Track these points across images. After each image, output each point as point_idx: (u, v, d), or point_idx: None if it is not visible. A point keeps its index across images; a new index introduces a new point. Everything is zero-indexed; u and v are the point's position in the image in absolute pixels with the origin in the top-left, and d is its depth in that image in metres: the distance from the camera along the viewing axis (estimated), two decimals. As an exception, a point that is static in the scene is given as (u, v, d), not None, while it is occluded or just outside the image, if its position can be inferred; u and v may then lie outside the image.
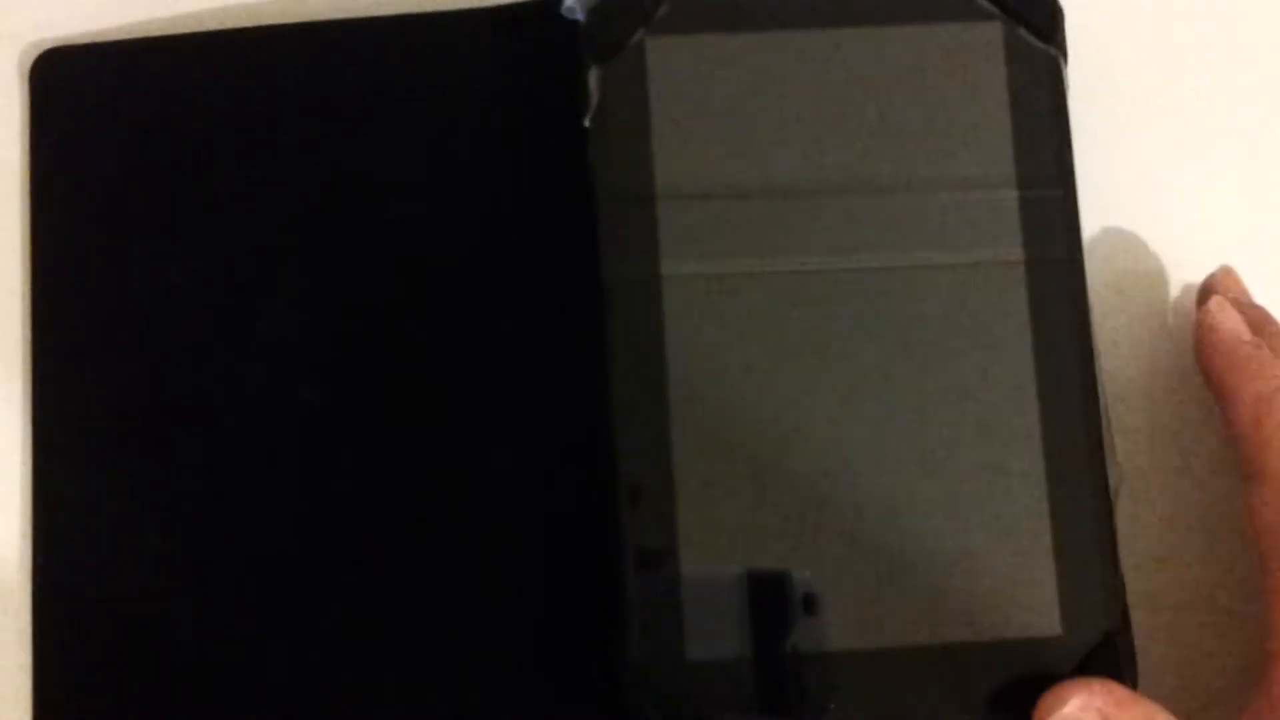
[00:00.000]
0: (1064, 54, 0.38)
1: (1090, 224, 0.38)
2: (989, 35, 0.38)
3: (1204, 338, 0.38)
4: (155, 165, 0.39)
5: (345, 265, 0.39)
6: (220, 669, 0.37)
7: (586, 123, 0.37)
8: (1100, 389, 0.37)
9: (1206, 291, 0.39)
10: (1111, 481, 0.37)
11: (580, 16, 0.38)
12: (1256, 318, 0.38)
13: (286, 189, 0.39)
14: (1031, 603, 0.36)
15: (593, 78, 0.37)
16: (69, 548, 0.38)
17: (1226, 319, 0.38)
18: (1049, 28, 0.38)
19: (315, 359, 0.39)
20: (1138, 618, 0.37)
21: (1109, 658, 0.36)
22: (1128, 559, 0.37)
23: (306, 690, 0.38)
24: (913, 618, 0.36)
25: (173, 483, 0.38)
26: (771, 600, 0.36)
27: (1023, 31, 0.38)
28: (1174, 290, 0.41)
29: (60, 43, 0.40)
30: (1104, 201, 0.40)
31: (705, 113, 0.37)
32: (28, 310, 0.39)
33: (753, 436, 0.36)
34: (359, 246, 0.39)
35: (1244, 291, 0.40)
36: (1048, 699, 0.35)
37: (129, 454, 0.38)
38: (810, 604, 0.36)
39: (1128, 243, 0.40)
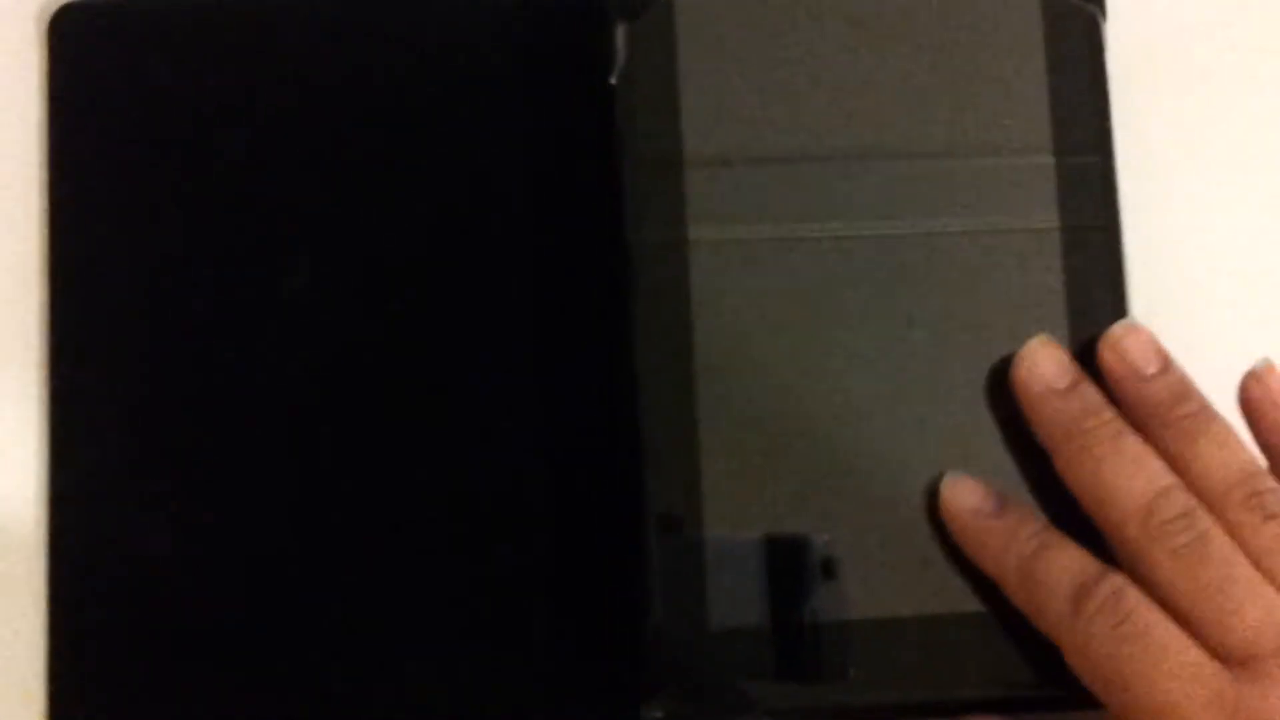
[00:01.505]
0: (1103, 10, 0.37)
1: (1128, 189, 0.37)
2: None
3: (948, 526, 0.35)
4: (172, 125, 0.39)
5: (366, 233, 0.39)
6: (231, 639, 0.37)
7: (613, 81, 0.37)
8: None
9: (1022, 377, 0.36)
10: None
11: (608, -28, 0.37)
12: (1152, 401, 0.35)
13: (304, 152, 0.39)
14: None
15: (620, 34, 0.37)
16: (85, 519, 0.38)
17: (961, 498, 0.35)
18: (1088, -18, 0.37)
19: (330, 330, 0.38)
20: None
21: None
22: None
23: (315, 659, 0.38)
24: (933, 586, 0.36)
25: (186, 455, 0.38)
26: (793, 567, 0.36)
27: (1060, -14, 0.37)
28: (1211, 259, 0.40)
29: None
30: (1143, 166, 0.39)
31: (735, 72, 0.37)
32: (46, 272, 0.39)
33: (778, 402, 0.36)
34: (380, 211, 0.39)
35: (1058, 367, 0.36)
36: None
37: (144, 425, 0.38)
38: (831, 571, 0.36)
39: (1166, 211, 0.40)
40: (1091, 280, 0.36)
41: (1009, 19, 0.37)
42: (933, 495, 0.36)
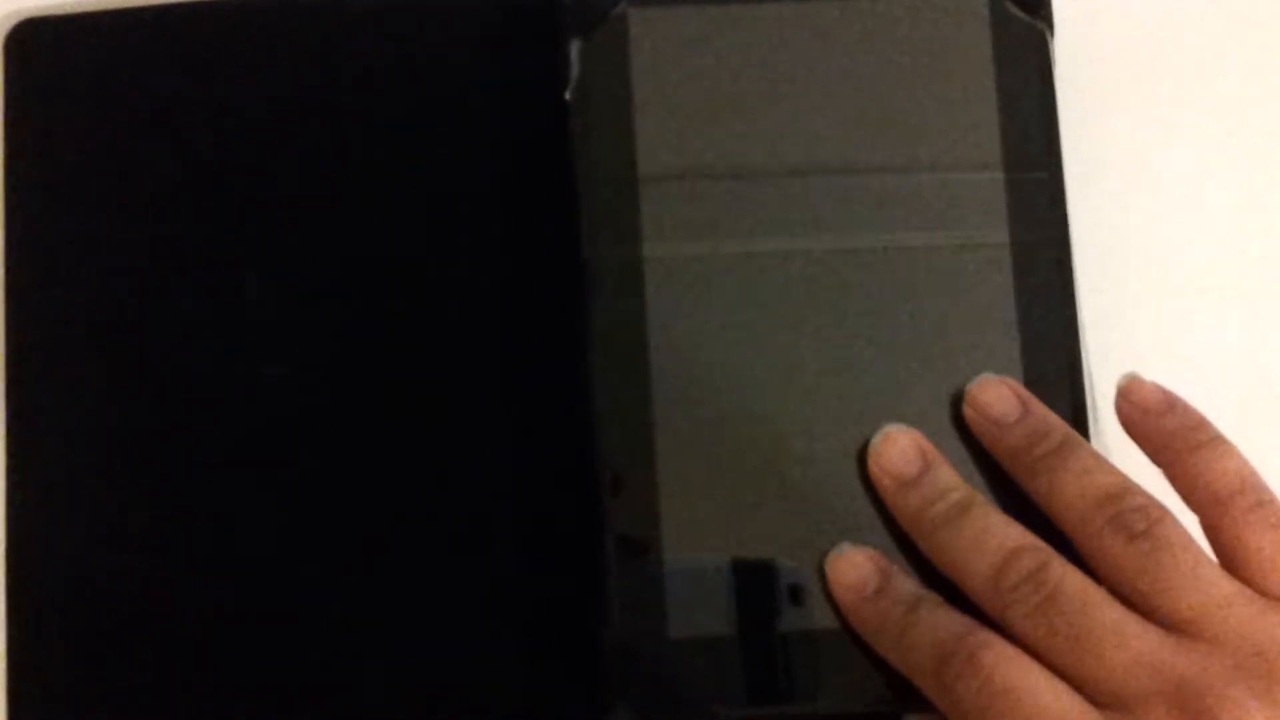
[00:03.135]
0: (1050, 27, 0.38)
1: (1076, 202, 0.38)
2: (974, 7, 0.38)
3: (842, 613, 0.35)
4: (131, 138, 0.39)
5: (326, 247, 0.39)
6: (195, 658, 0.37)
7: (567, 97, 0.37)
8: (1086, 372, 0.37)
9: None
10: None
11: (562, -13, 0.37)
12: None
13: (264, 165, 0.39)
14: None
15: (574, 50, 0.37)
16: (43, 535, 0.38)
17: (845, 579, 0.35)
18: (1035, 0, 0.38)
19: (291, 342, 0.38)
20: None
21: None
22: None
23: (284, 679, 0.38)
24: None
25: (146, 468, 0.38)
26: (752, 580, 0.36)
27: (1008, 3, 0.38)
28: (1160, 272, 0.40)
29: (37, 13, 0.40)
30: (1090, 180, 0.39)
31: (688, 88, 0.37)
32: (2, 285, 0.39)
33: (735, 416, 0.36)
34: (340, 226, 0.39)
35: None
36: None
37: (103, 440, 0.38)
38: (795, 592, 0.36)
39: (1115, 225, 0.40)
40: (1042, 293, 0.37)
41: (958, 35, 0.38)
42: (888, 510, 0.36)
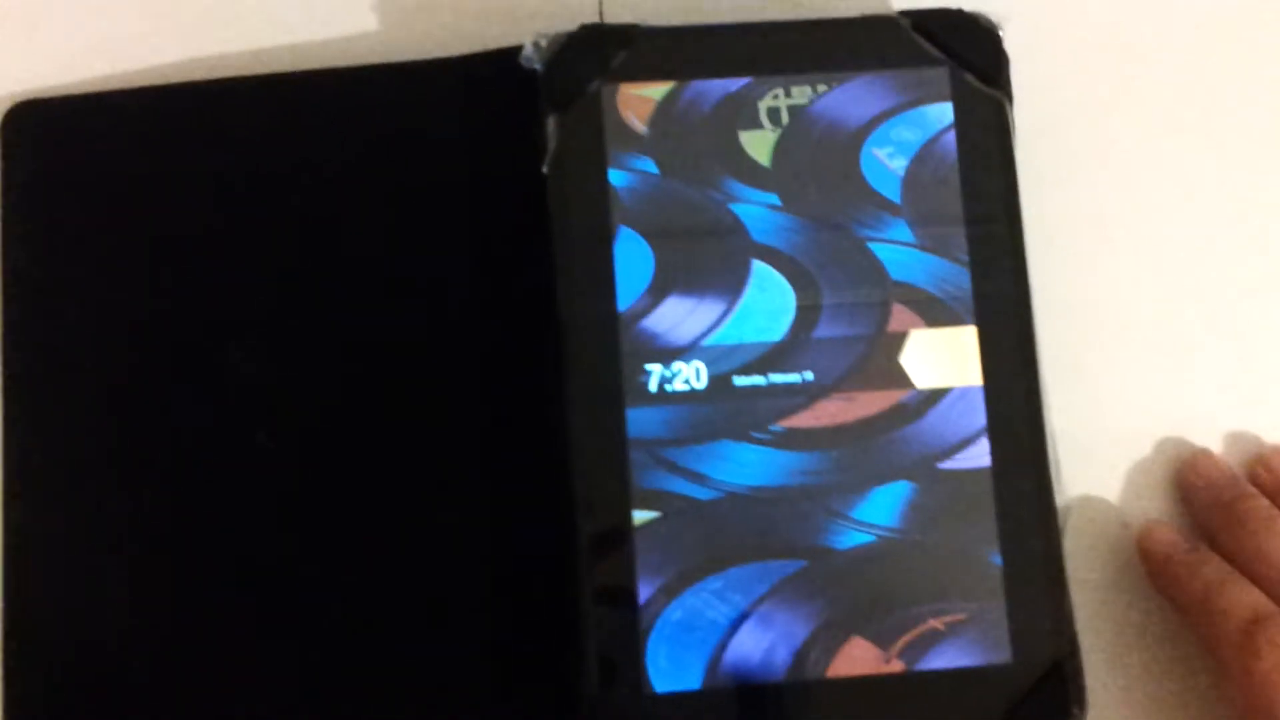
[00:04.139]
0: (1009, 96, 0.39)
1: (1036, 261, 0.39)
2: (937, 79, 0.39)
3: (1143, 560, 0.40)
4: (123, 214, 0.40)
5: (309, 313, 0.40)
6: (182, 704, 0.38)
7: (544, 169, 0.38)
8: (1047, 423, 0.38)
9: (1180, 481, 0.41)
10: (1060, 513, 0.38)
11: (538, 66, 0.39)
12: (1224, 500, 0.39)
13: (250, 238, 0.40)
14: (983, 632, 0.37)
15: (550, 125, 0.38)
16: (36, 585, 0.39)
17: (1158, 538, 0.40)
18: (995, 72, 0.39)
19: (276, 402, 0.39)
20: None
21: (1059, 685, 0.37)
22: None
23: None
24: (868, 648, 0.37)
25: (138, 520, 0.39)
26: (731, 634, 0.37)
27: (969, 76, 0.39)
28: (1118, 328, 0.42)
29: (33, 95, 0.41)
30: (1049, 240, 0.40)
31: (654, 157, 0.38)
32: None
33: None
34: (322, 294, 0.40)
35: (1219, 473, 0.40)
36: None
37: (95, 493, 0.39)
38: (772, 632, 0.37)
39: (1072, 280, 0.41)
40: (1004, 348, 0.38)
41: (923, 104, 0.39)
42: (856, 555, 0.37)
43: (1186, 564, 0.38)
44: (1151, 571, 0.39)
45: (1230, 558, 0.38)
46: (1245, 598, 0.37)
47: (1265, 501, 0.39)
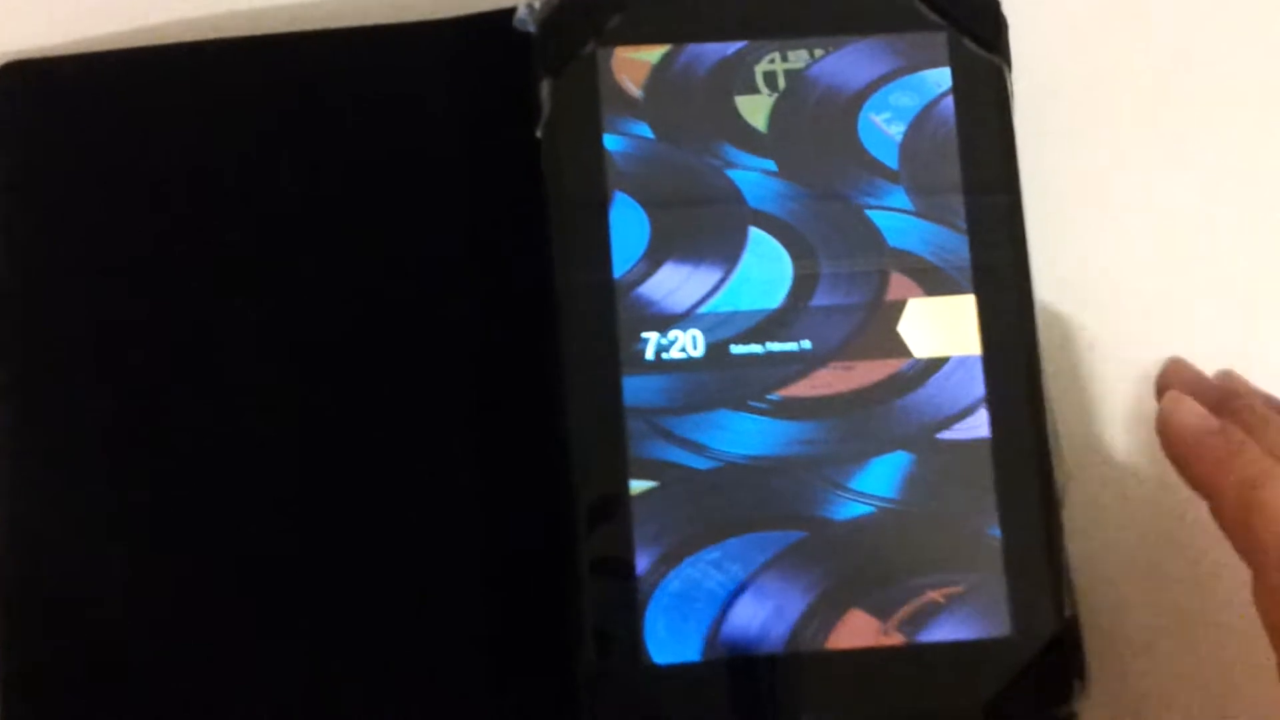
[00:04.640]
0: (1008, 62, 0.39)
1: (1034, 229, 0.38)
2: (935, 44, 0.39)
3: (1168, 437, 0.36)
4: (114, 176, 0.39)
5: (303, 281, 0.39)
6: (177, 698, 0.38)
7: (538, 134, 0.38)
8: (1046, 394, 0.38)
9: (1161, 387, 0.38)
10: (1059, 484, 0.37)
11: (532, 29, 0.38)
12: (1218, 396, 0.37)
13: (242, 200, 0.39)
14: (982, 604, 0.36)
15: (544, 89, 0.38)
16: (35, 575, 0.38)
17: (1185, 413, 0.36)
18: (993, 37, 0.39)
19: (271, 379, 0.39)
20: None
21: (1058, 658, 0.37)
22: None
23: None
24: (867, 620, 0.36)
25: (128, 510, 0.38)
26: (734, 607, 0.36)
27: (967, 41, 0.39)
28: (1116, 297, 0.41)
29: (20, 55, 0.40)
30: (1048, 207, 0.40)
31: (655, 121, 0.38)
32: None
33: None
34: (317, 261, 0.39)
35: (1197, 376, 0.39)
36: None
37: (92, 482, 0.38)
38: (769, 605, 0.36)
39: (1071, 249, 0.41)
40: (1003, 318, 0.38)
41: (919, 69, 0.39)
42: (854, 527, 0.36)
43: (1220, 448, 0.35)
44: (1176, 452, 0.36)
45: None
46: None
47: (1256, 400, 0.36)
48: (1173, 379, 0.38)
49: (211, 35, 0.40)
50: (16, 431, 0.39)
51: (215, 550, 0.38)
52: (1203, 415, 0.36)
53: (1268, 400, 0.38)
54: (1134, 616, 0.40)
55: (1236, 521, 0.34)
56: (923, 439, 0.37)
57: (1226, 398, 0.37)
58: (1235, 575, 0.34)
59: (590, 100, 0.38)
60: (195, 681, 0.38)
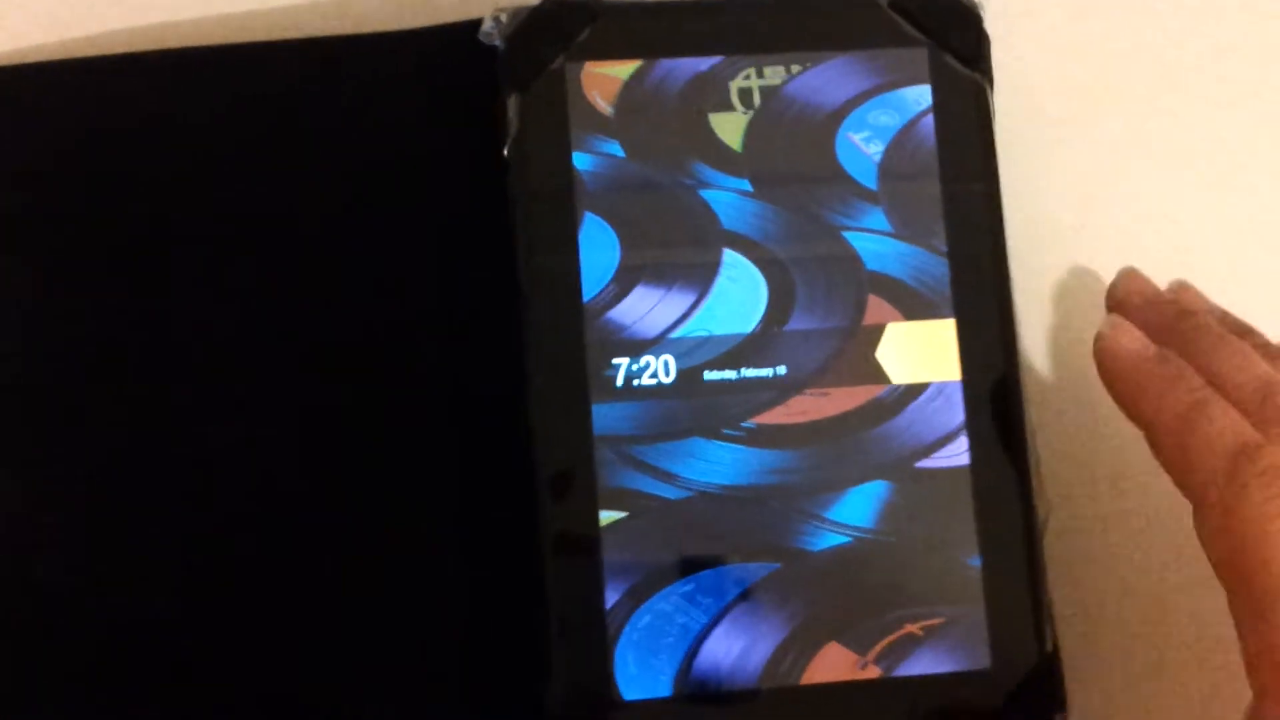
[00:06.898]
0: (990, 79, 0.38)
1: (1016, 250, 0.38)
2: (915, 60, 0.38)
3: (1104, 366, 0.35)
4: (72, 188, 0.38)
5: (265, 289, 0.38)
6: (143, 693, 0.37)
7: (505, 152, 0.37)
8: (1028, 421, 0.37)
9: (1110, 303, 0.37)
10: (1040, 514, 0.37)
11: (498, 43, 0.37)
12: (1173, 313, 0.36)
13: (202, 211, 0.38)
14: (961, 637, 0.36)
15: (511, 106, 0.37)
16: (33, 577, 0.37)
17: (1123, 340, 0.35)
18: (975, 53, 0.38)
19: (232, 374, 0.38)
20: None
21: (1039, 690, 0.36)
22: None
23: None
24: (844, 654, 0.36)
25: (95, 512, 0.37)
26: (701, 640, 0.35)
27: (949, 57, 0.38)
28: (1099, 315, 0.40)
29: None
30: (1030, 230, 0.40)
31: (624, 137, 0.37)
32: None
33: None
34: (278, 271, 0.38)
35: (1151, 290, 0.37)
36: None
37: (44, 474, 0.37)
38: (742, 632, 0.35)
39: (1055, 268, 0.40)
40: (984, 350, 0.37)
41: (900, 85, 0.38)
42: (837, 557, 0.36)
43: (1158, 377, 0.34)
44: (1114, 380, 0.35)
45: None
46: (1227, 423, 0.32)
47: (1210, 319, 0.35)
48: (1123, 294, 0.37)
49: (180, 44, 0.39)
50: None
51: (181, 545, 0.37)
52: (1141, 341, 0.35)
53: (1223, 318, 0.37)
54: (1116, 648, 0.39)
55: (1173, 454, 0.33)
56: (901, 467, 0.36)
57: (1178, 317, 0.35)
58: (1220, 604, 0.33)
59: (559, 117, 0.37)
60: (162, 674, 0.37)
